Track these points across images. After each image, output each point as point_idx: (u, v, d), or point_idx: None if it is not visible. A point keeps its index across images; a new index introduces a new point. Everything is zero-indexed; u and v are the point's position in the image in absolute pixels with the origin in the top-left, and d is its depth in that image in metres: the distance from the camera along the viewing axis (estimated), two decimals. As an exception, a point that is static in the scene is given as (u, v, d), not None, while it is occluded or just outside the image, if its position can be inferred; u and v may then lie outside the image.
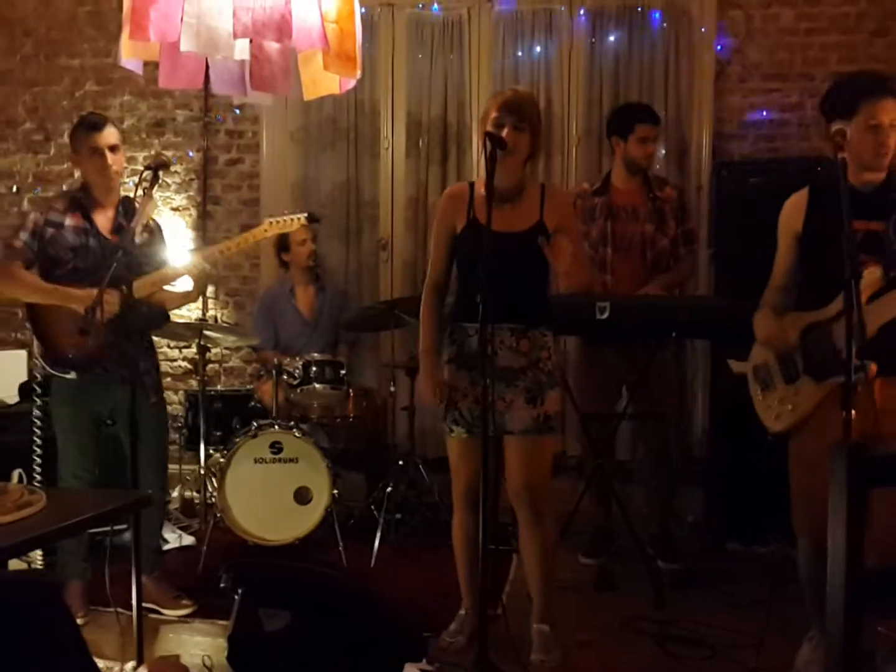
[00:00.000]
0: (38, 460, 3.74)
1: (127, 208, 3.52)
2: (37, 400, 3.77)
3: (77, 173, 5.08)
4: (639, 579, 3.73)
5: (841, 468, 1.34)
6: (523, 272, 3.00)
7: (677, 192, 4.23)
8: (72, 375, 3.38)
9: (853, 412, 2.27)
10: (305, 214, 3.61)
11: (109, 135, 3.44)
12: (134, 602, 2.71)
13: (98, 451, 3.50)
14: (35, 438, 3.72)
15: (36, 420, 3.76)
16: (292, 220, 3.56)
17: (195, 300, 3.76)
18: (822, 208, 2.79)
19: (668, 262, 4.15)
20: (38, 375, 3.51)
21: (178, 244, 5.49)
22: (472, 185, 3.10)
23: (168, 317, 3.77)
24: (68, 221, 3.42)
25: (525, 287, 3.02)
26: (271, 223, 3.54)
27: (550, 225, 2.98)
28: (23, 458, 3.82)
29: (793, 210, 2.90)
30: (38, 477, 3.76)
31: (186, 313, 5.60)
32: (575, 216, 3.08)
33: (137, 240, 3.37)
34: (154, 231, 3.61)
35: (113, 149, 3.43)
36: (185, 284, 3.59)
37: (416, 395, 3.30)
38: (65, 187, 5.70)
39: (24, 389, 4.48)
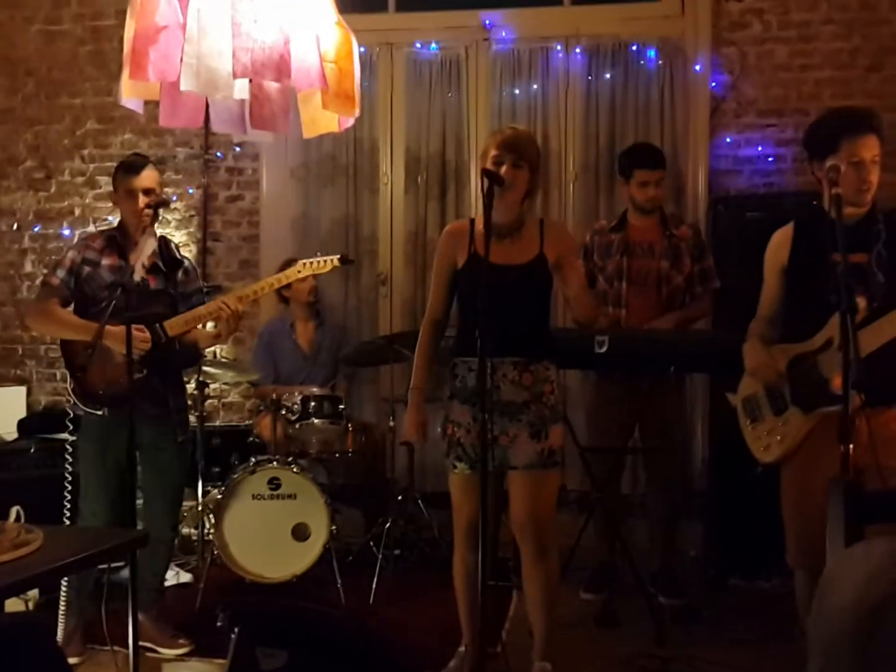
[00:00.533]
0: (69, 496, 3.72)
1: (163, 248, 3.55)
2: (74, 436, 3.76)
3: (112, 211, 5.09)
4: (641, 615, 3.70)
5: (838, 503, 1.34)
6: (524, 305, 3.02)
7: (693, 230, 4.26)
8: (102, 412, 3.39)
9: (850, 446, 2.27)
10: (339, 256, 3.59)
11: (146, 178, 3.47)
12: (130, 641, 2.68)
13: (120, 489, 3.48)
14: (66, 475, 3.71)
15: (67, 456, 3.76)
16: (325, 261, 3.56)
17: (226, 340, 3.77)
18: (807, 242, 2.83)
19: (682, 299, 4.19)
20: (70, 412, 3.51)
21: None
22: (472, 221, 3.12)
23: (201, 356, 3.79)
24: (105, 260, 3.45)
25: (527, 320, 3.03)
26: (305, 264, 3.55)
27: (551, 257, 3.00)
28: (21, 495, 3.79)
29: (779, 244, 2.93)
30: (68, 513, 3.74)
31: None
32: (574, 248, 3.11)
33: (137, 277, 3.38)
34: (189, 270, 3.64)
35: (147, 192, 3.45)
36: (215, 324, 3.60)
37: (402, 430, 3.31)
38: (93, 227, 5.74)
39: (23, 426, 4.47)
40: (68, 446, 3.73)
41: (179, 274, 3.58)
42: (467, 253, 3.04)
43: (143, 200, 3.43)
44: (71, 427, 3.58)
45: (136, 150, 5.62)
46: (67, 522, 3.65)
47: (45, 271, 4.60)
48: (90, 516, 3.44)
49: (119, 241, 3.49)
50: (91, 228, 5.72)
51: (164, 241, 3.59)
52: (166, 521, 3.55)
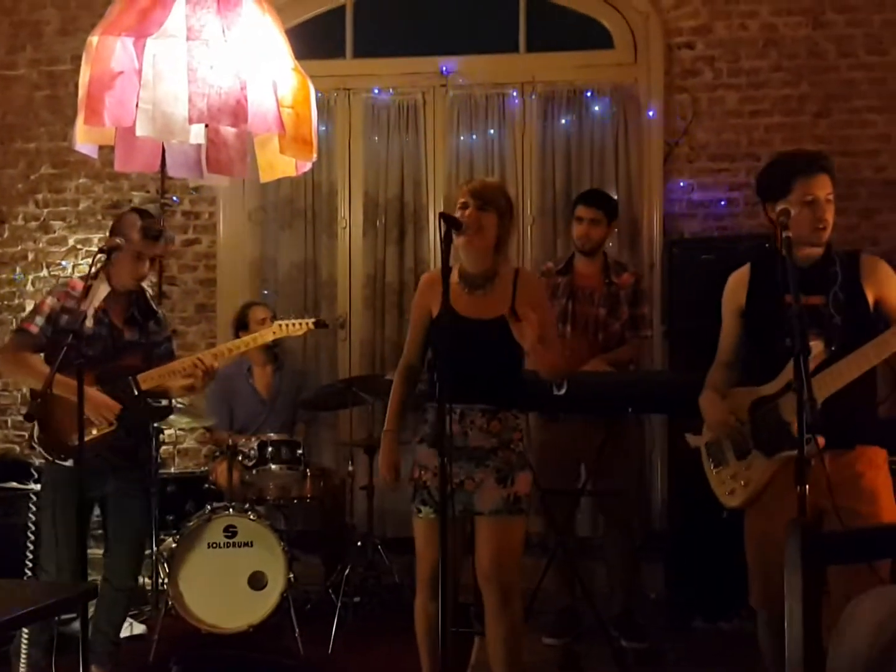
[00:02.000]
0: (31, 546, 3.62)
1: (139, 298, 3.50)
2: (34, 486, 3.68)
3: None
4: (604, 660, 3.67)
5: (795, 546, 1.34)
6: (494, 357, 3.00)
7: (635, 278, 4.31)
8: (69, 463, 3.31)
9: (806, 486, 2.28)
10: (314, 320, 3.64)
11: (162, 248, 3.44)
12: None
13: (81, 541, 3.40)
14: (30, 525, 3.61)
15: (32, 506, 3.66)
16: (300, 324, 3.60)
17: (199, 393, 3.73)
18: (763, 284, 2.84)
19: (616, 343, 4.22)
20: (35, 461, 3.43)
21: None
22: (449, 270, 3.12)
23: (171, 409, 3.75)
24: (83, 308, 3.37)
25: (496, 369, 3.02)
26: (280, 326, 3.58)
27: (521, 312, 2.98)
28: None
29: (735, 287, 2.95)
30: (30, 563, 3.64)
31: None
32: (538, 302, 3.11)
33: (89, 323, 3.32)
34: (160, 320, 3.58)
35: (153, 261, 3.42)
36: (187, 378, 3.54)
37: (377, 471, 3.29)
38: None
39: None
40: (32, 496, 3.66)
41: (151, 324, 3.52)
42: (441, 303, 3.03)
43: (148, 268, 3.39)
44: (35, 476, 3.50)
45: (90, 195, 5.61)
46: (29, 574, 3.56)
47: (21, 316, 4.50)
48: (56, 569, 3.32)
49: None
50: (43, 273, 5.66)
51: (140, 292, 3.54)
52: (128, 572, 3.47)
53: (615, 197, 4.90)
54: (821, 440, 2.43)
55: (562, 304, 4.17)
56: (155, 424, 4.36)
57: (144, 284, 3.58)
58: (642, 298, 4.32)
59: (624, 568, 4.14)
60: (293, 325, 3.58)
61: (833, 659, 1.10)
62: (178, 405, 5.34)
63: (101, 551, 3.57)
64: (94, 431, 3.29)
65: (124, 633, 4.11)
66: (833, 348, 2.63)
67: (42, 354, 3.39)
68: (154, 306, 3.61)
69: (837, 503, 2.41)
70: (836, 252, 2.82)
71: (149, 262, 3.40)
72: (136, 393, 3.35)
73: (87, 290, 3.33)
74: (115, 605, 3.42)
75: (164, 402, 3.63)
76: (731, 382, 2.92)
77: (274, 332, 3.57)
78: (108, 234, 3.44)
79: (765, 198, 2.84)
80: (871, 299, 2.75)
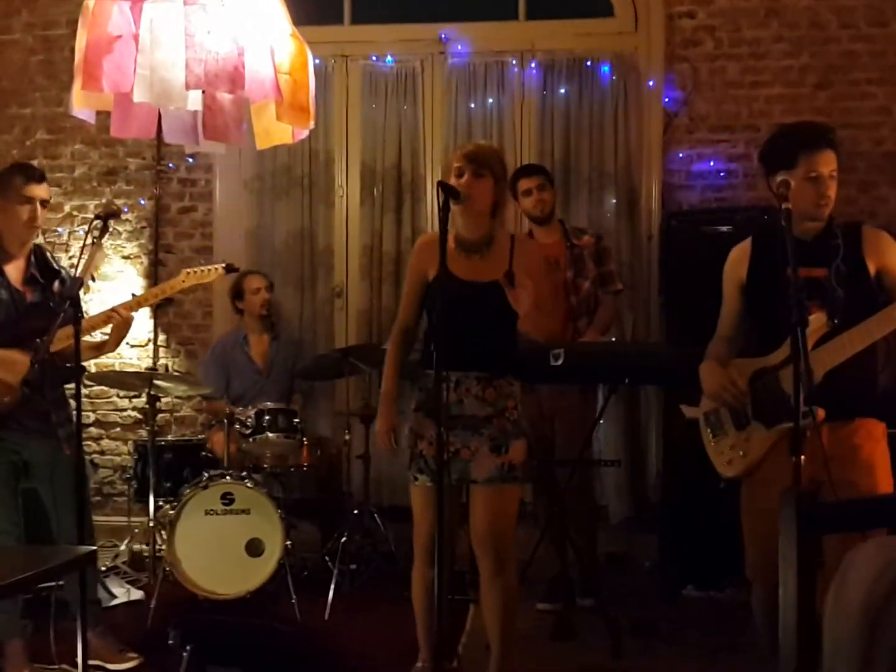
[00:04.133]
0: None
1: (38, 257, 3.45)
2: None
3: None
4: (597, 628, 3.71)
5: (790, 515, 1.35)
6: (490, 322, 3.00)
7: (595, 238, 4.39)
8: None
9: (803, 458, 2.30)
10: (224, 265, 3.58)
11: (46, 189, 3.39)
12: (80, 659, 2.62)
13: (18, 506, 3.39)
14: None
15: None
16: (209, 269, 3.54)
17: (112, 351, 3.68)
18: (765, 258, 2.84)
19: (594, 304, 4.30)
20: None
21: (128, 292, 5.44)
22: (446, 239, 3.11)
23: (83, 370, 3.68)
24: None
25: (492, 336, 3.02)
26: (188, 273, 3.53)
27: (517, 278, 2.98)
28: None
29: (737, 261, 2.94)
30: None
31: (136, 362, 5.53)
32: (542, 268, 3.12)
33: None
34: (65, 280, 3.50)
35: (44, 204, 3.38)
36: (100, 336, 3.54)
37: (373, 439, 3.30)
38: None
39: None
40: None
41: (56, 284, 3.45)
42: (438, 267, 3.03)
43: (41, 212, 3.36)
44: None
45: (86, 161, 5.58)
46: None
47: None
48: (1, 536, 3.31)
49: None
50: (39, 240, 5.61)
51: (38, 251, 3.48)
52: (75, 533, 3.42)
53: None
54: (820, 412, 2.44)
55: (556, 299, 4.19)
56: (145, 392, 4.34)
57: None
58: (607, 256, 4.40)
59: (581, 529, 4.18)
60: (203, 271, 3.53)
61: (834, 607, 1.11)
62: (175, 373, 5.37)
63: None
64: (7, 399, 3.23)
65: (122, 598, 4.18)
66: (836, 321, 2.63)
67: None
68: (56, 265, 3.53)
69: (836, 475, 2.43)
70: (838, 224, 2.81)
71: (40, 206, 3.36)
72: (47, 354, 3.13)
73: None
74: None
75: (76, 365, 3.56)
76: (732, 356, 2.92)
77: (183, 280, 3.51)
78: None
79: (768, 168, 2.82)
80: (872, 271, 2.75)
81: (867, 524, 1.66)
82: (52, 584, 3.37)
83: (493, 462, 2.96)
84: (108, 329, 3.48)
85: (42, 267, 3.45)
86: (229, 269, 3.59)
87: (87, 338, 3.44)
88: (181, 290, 3.66)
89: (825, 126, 2.90)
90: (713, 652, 3.55)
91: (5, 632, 3.36)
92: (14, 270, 3.39)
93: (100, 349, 3.56)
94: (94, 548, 2.84)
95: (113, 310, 3.38)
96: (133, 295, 4.26)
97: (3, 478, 3.35)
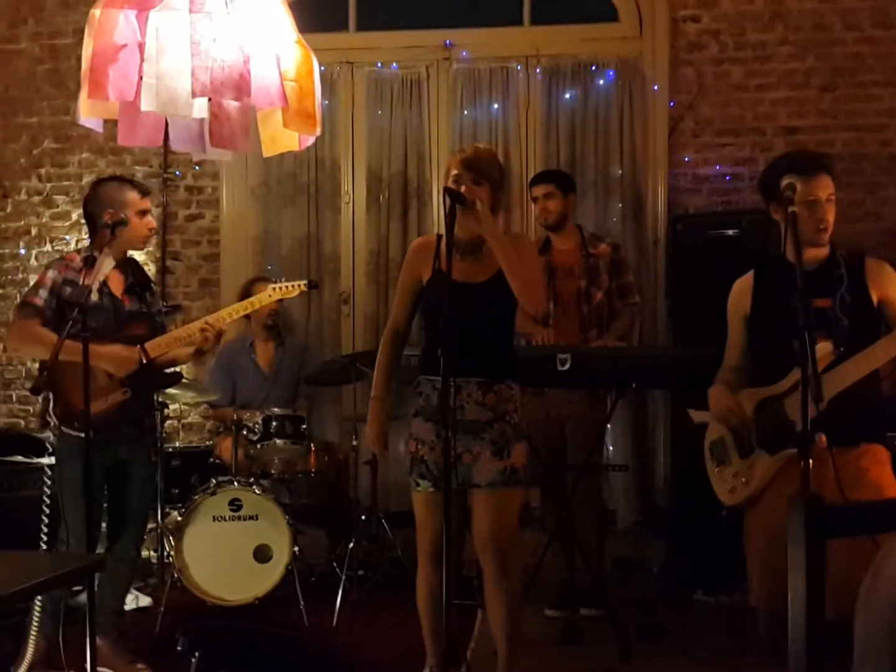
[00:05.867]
0: (46, 520, 3.64)
1: (133, 267, 3.56)
2: (43, 460, 3.69)
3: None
4: (605, 632, 3.70)
5: (798, 519, 1.35)
6: (487, 323, 3.00)
7: (612, 247, 4.34)
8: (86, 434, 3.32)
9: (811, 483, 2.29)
10: (306, 282, 3.76)
11: (149, 200, 3.52)
12: (88, 667, 2.63)
13: (98, 511, 3.42)
14: (45, 498, 3.63)
15: (46, 480, 3.68)
16: (294, 286, 3.69)
17: (203, 357, 3.79)
18: (768, 289, 2.86)
19: (606, 315, 4.26)
20: (51, 433, 3.44)
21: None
22: (439, 237, 3.11)
23: (181, 377, 3.80)
24: (82, 280, 3.38)
25: (490, 339, 3.02)
26: (275, 289, 3.67)
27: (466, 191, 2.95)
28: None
29: (740, 293, 2.96)
30: (45, 537, 3.65)
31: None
32: (535, 253, 3.14)
33: (96, 297, 3.34)
34: (154, 291, 3.66)
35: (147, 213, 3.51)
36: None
37: (364, 446, 3.31)
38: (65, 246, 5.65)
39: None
40: (47, 469, 3.67)
41: (147, 294, 3.57)
42: (432, 269, 3.03)
43: (151, 222, 3.47)
44: (50, 450, 3.51)
45: (93, 169, 5.60)
46: (45, 547, 3.58)
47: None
48: (76, 541, 3.31)
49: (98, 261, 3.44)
50: (47, 248, 5.65)
51: (133, 262, 3.58)
52: (132, 543, 3.51)
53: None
54: (822, 438, 2.45)
55: (544, 287, 4.18)
56: (160, 398, 4.38)
57: (139, 258, 3.62)
58: (623, 267, 4.36)
59: (592, 536, 4.15)
60: (288, 287, 3.68)
61: (866, 601, 1.10)
62: (183, 380, 5.38)
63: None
64: (109, 400, 3.33)
65: (130, 605, 4.18)
66: (841, 350, 2.64)
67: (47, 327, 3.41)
68: (147, 276, 3.67)
69: (846, 498, 2.43)
70: (841, 254, 2.83)
71: (149, 216, 3.49)
72: (145, 361, 3.37)
73: (85, 261, 3.37)
74: (119, 575, 3.44)
75: (173, 370, 3.66)
76: (741, 384, 2.93)
77: (270, 295, 3.64)
78: (110, 209, 3.43)
79: (768, 198, 2.84)
80: (875, 300, 2.78)
81: (876, 528, 1.66)
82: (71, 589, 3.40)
83: (495, 466, 2.96)
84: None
85: (138, 277, 3.56)
86: (311, 285, 3.80)
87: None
88: (267, 304, 3.86)
89: (820, 154, 2.93)
90: (722, 656, 3.54)
91: (41, 633, 3.38)
92: (115, 280, 3.46)
93: (196, 354, 3.61)
94: (101, 555, 2.84)
95: (206, 321, 3.47)
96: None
97: (91, 485, 3.30)
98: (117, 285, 3.47)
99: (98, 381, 3.30)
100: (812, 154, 2.96)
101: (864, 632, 1.13)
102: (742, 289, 2.95)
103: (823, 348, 2.60)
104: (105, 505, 3.49)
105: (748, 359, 2.96)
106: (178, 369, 3.72)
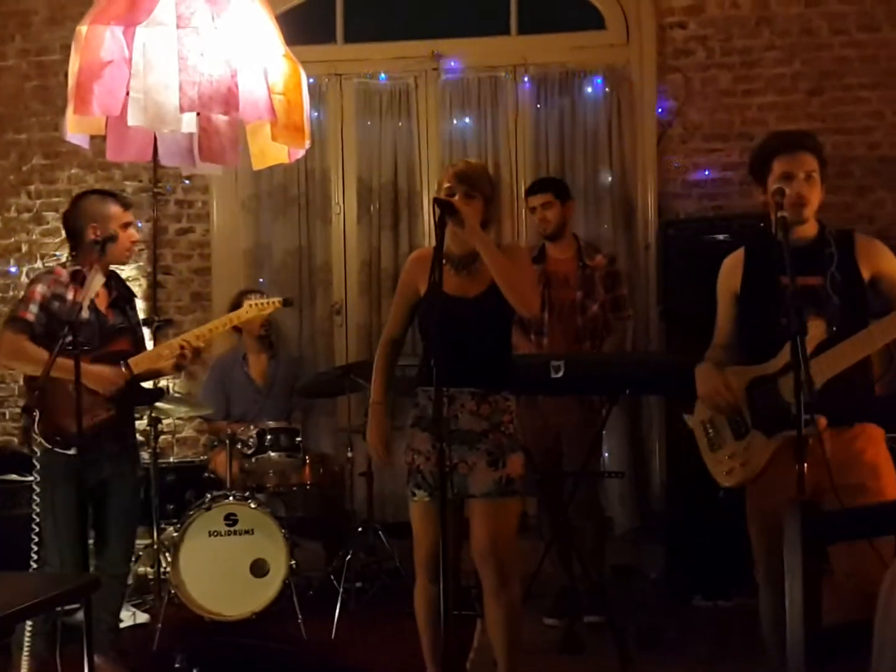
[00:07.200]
0: (37, 538, 3.61)
1: (117, 281, 3.55)
2: (36, 476, 3.66)
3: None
4: (604, 640, 3.69)
5: (794, 525, 1.34)
6: (481, 337, 3.01)
7: (608, 259, 4.33)
8: (71, 451, 3.29)
9: (806, 465, 2.29)
10: (281, 299, 3.82)
11: (131, 212, 3.52)
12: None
13: (85, 529, 3.40)
14: (34, 516, 3.61)
15: (35, 497, 3.65)
16: (269, 302, 3.76)
17: (181, 372, 3.80)
18: (758, 266, 2.85)
19: (600, 327, 4.25)
20: (36, 451, 3.41)
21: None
22: (440, 254, 3.11)
23: (163, 393, 3.80)
24: (70, 295, 3.37)
25: (484, 351, 3.02)
26: (251, 305, 3.72)
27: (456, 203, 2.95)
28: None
29: (730, 270, 2.95)
30: (35, 556, 3.63)
31: (138, 385, 5.52)
32: (528, 259, 3.18)
33: (86, 313, 3.33)
34: (135, 304, 3.66)
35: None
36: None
37: (364, 453, 3.31)
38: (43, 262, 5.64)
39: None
40: (35, 487, 3.64)
41: (128, 308, 3.58)
42: (428, 282, 3.03)
43: (134, 235, 3.47)
44: (38, 466, 3.49)
45: (83, 185, 5.59)
46: (35, 567, 3.55)
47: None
48: (60, 562, 3.31)
49: (84, 275, 3.41)
50: (38, 265, 5.64)
51: (116, 276, 3.57)
52: (123, 559, 3.50)
53: (611, 181, 4.89)
54: (822, 420, 2.44)
55: (538, 290, 4.16)
56: (152, 413, 4.38)
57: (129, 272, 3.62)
58: (619, 280, 4.36)
59: (590, 545, 4.15)
60: (263, 303, 3.74)
61: (884, 609, 1.11)
62: (175, 394, 5.37)
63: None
64: (98, 416, 3.31)
65: (128, 622, 4.16)
66: (834, 329, 2.64)
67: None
68: (130, 289, 3.67)
69: (842, 481, 2.43)
70: (830, 232, 2.82)
71: (132, 229, 3.49)
72: (129, 378, 3.36)
73: (72, 276, 3.36)
74: (111, 592, 3.42)
75: (155, 387, 3.67)
76: (731, 362, 2.92)
77: (247, 311, 3.70)
78: (67, 226, 3.46)
79: (755, 179, 2.86)
80: (866, 277, 2.76)
81: (872, 532, 1.66)
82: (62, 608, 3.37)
83: (491, 476, 2.95)
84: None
85: (121, 291, 3.55)
86: (286, 302, 3.85)
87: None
88: (246, 320, 3.92)
89: (800, 132, 2.94)
90: (723, 660, 3.54)
91: (32, 654, 3.35)
92: (100, 295, 3.45)
93: (179, 369, 3.65)
94: (96, 575, 2.83)
95: (184, 339, 3.47)
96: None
97: (77, 503, 3.29)
98: (102, 300, 3.46)
99: (83, 399, 3.26)
100: (793, 132, 2.98)
101: (880, 642, 1.14)
102: (732, 266, 2.94)
103: (816, 327, 2.59)
104: (92, 522, 3.46)
105: (737, 337, 2.94)
106: (160, 385, 3.72)
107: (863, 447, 2.72)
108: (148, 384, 3.72)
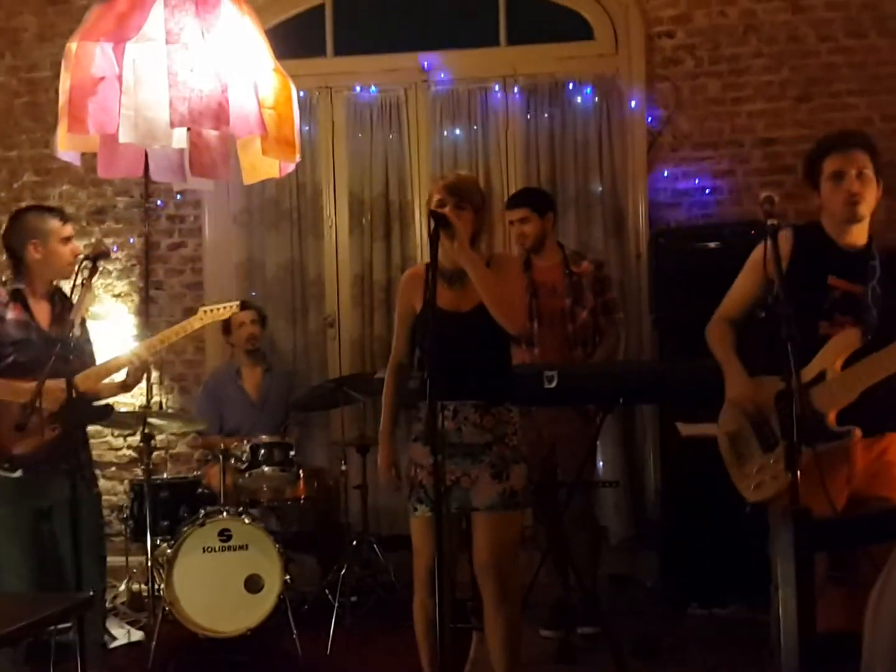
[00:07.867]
0: None
1: (61, 297, 3.47)
2: None
3: None
4: (600, 650, 3.69)
5: (787, 533, 1.35)
6: (479, 350, 3.01)
7: (595, 265, 4.32)
8: (18, 473, 3.25)
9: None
10: (238, 302, 3.70)
11: (70, 227, 3.46)
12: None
13: (38, 550, 3.37)
14: None
15: None
16: (225, 307, 3.63)
17: (131, 390, 3.69)
18: (806, 259, 2.77)
19: (591, 333, 4.24)
20: None
21: (120, 331, 5.43)
22: (427, 266, 3.11)
23: (112, 409, 3.71)
24: (10, 315, 3.32)
25: (484, 364, 3.03)
26: (206, 312, 3.60)
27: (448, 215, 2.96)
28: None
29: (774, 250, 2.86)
30: None
31: (130, 400, 5.50)
32: (519, 273, 3.13)
33: (77, 331, 3.30)
34: (84, 323, 3.56)
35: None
36: (120, 374, 3.53)
37: (371, 469, 3.31)
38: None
39: None
40: None
41: (79, 326, 3.44)
42: (423, 299, 3.03)
43: (77, 248, 3.41)
44: None
45: (74, 201, 5.59)
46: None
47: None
48: (16, 582, 3.27)
49: (23, 293, 3.37)
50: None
51: (59, 291, 3.49)
52: (96, 574, 3.42)
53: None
54: (857, 431, 2.43)
55: (525, 300, 4.16)
56: (139, 431, 4.33)
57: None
58: (607, 284, 4.35)
59: (585, 555, 4.12)
60: (219, 309, 3.63)
61: (874, 612, 1.11)
62: (169, 410, 5.36)
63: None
64: (44, 436, 3.22)
65: (122, 640, 4.14)
66: (869, 338, 2.60)
67: None
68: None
69: (869, 492, 2.41)
70: (878, 247, 2.77)
71: (72, 244, 3.43)
72: (74, 395, 3.17)
73: (11, 295, 3.31)
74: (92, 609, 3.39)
75: (103, 403, 3.59)
76: (733, 339, 2.87)
77: (201, 319, 3.58)
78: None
79: (809, 184, 2.80)
80: None
81: (865, 540, 1.66)
82: (56, 627, 3.34)
83: (495, 489, 2.95)
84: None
85: (66, 308, 3.44)
86: (243, 305, 3.75)
87: (108, 378, 3.47)
88: (200, 329, 3.72)
89: (856, 130, 2.89)
90: (719, 668, 3.53)
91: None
92: (41, 312, 3.40)
93: (122, 388, 3.56)
94: (90, 594, 2.80)
95: (133, 353, 3.42)
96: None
97: (26, 522, 3.31)
98: (44, 317, 3.39)
99: (28, 420, 3.09)
100: (845, 131, 2.91)
101: (871, 639, 1.14)
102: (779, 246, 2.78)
103: (852, 334, 2.57)
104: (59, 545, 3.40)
105: (749, 316, 2.86)
106: (108, 402, 3.64)
107: (892, 460, 2.68)
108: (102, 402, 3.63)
